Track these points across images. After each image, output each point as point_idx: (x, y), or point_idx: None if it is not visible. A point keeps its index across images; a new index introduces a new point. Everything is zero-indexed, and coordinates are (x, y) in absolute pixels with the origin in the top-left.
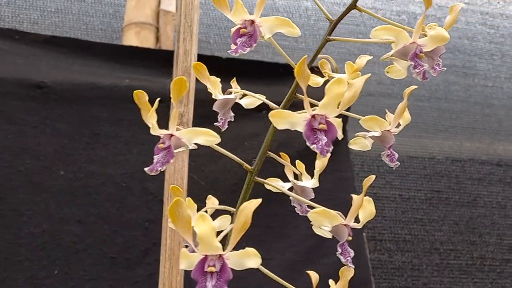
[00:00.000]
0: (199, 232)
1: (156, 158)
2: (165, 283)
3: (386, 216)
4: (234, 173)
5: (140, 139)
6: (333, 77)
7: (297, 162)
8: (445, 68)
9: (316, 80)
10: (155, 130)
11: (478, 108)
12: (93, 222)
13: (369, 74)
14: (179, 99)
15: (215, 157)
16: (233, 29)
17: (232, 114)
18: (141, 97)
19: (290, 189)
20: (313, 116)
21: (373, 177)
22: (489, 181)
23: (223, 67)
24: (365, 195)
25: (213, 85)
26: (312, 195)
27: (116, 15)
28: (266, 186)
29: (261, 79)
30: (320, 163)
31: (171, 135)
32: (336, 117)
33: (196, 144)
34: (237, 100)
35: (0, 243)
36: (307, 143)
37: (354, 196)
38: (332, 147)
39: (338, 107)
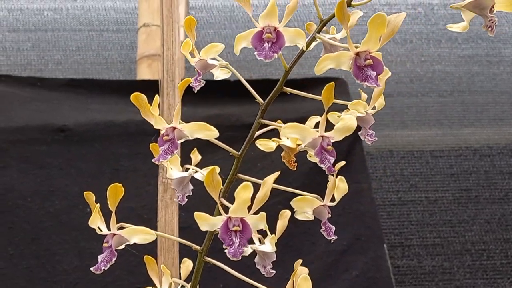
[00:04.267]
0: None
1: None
2: None
3: (413, 221)
4: None
5: (158, 171)
6: None
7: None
8: (376, 138)
9: (269, 145)
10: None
11: (506, 97)
12: (120, 255)
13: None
14: (115, 205)
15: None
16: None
17: (191, 187)
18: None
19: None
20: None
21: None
22: None
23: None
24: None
25: (172, 162)
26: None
27: (132, 46)
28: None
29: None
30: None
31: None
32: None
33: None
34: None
35: (37, 282)
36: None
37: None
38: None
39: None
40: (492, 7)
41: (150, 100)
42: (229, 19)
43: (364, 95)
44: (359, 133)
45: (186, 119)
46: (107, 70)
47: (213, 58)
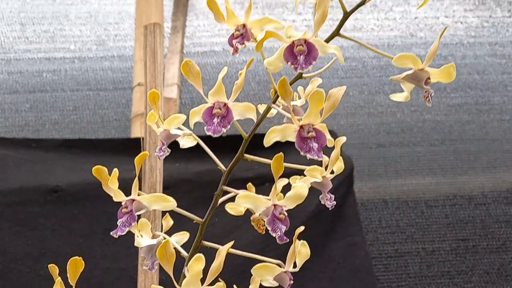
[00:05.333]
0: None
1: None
2: None
3: (410, 273)
4: None
5: None
6: None
7: None
8: (335, 202)
9: (238, 209)
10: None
11: (497, 145)
12: None
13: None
14: (75, 279)
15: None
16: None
17: None
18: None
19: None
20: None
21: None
22: None
23: None
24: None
25: (143, 228)
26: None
27: (128, 104)
28: None
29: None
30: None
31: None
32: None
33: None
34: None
35: None
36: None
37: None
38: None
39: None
40: (428, 78)
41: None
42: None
43: (326, 158)
44: (320, 197)
45: (178, 175)
46: (103, 128)
47: (178, 128)
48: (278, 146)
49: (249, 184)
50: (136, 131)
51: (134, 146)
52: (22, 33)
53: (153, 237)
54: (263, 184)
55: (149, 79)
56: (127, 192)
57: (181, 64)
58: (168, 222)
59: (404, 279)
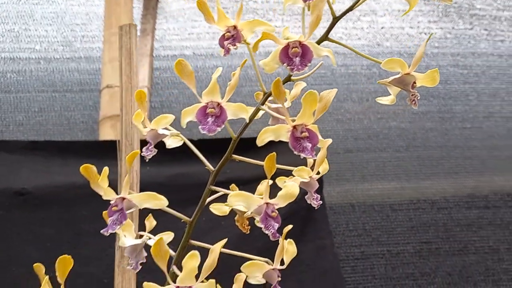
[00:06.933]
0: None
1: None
2: None
3: (376, 275)
4: None
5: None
6: None
7: None
8: (321, 202)
9: (223, 209)
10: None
11: (459, 151)
12: None
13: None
14: (64, 277)
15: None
16: None
17: (145, 254)
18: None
19: None
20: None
21: None
22: (478, 226)
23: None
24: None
25: (125, 229)
26: None
27: (95, 106)
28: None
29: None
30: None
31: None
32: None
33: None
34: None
35: None
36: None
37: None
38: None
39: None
40: (414, 83)
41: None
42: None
43: (310, 160)
44: (306, 197)
45: (150, 178)
46: (70, 131)
47: (165, 128)
48: (252, 150)
49: (233, 185)
50: (105, 134)
51: (102, 149)
52: None
53: (137, 237)
54: (238, 187)
55: (125, 79)
56: (99, 197)
57: (151, 67)
58: (151, 222)
59: (370, 280)
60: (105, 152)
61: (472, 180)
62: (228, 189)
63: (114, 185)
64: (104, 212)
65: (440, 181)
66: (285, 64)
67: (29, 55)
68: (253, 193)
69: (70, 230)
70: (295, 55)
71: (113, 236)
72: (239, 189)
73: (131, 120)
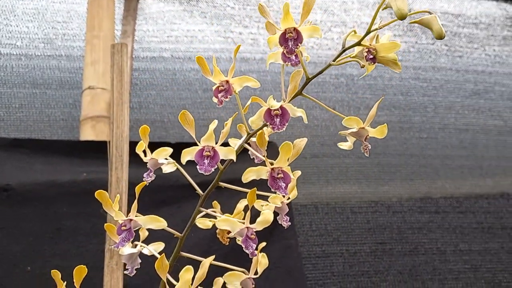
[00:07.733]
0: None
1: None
2: None
3: (335, 272)
4: None
5: (99, 229)
6: None
7: None
8: (290, 223)
9: (206, 223)
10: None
11: (415, 159)
12: None
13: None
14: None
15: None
16: None
17: (139, 261)
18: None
19: None
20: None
21: None
22: (428, 229)
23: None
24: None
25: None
26: None
27: (75, 104)
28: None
29: None
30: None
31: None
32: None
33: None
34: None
35: None
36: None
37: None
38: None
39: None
40: (367, 136)
41: (92, 161)
42: (171, 82)
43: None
44: (277, 218)
45: (129, 180)
46: (50, 128)
47: (165, 158)
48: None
49: (215, 202)
50: (86, 134)
51: (84, 148)
52: None
53: (132, 246)
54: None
55: (116, 95)
56: (80, 195)
57: (130, 68)
58: (144, 233)
59: (329, 277)
60: (87, 152)
61: (425, 186)
62: (228, 189)
63: (94, 183)
64: (106, 224)
65: (397, 187)
66: (268, 123)
67: (10, 50)
68: (251, 192)
69: (52, 226)
70: (276, 116)
71: (94, 232)
72: (236, 186)
73: (122, 134)
